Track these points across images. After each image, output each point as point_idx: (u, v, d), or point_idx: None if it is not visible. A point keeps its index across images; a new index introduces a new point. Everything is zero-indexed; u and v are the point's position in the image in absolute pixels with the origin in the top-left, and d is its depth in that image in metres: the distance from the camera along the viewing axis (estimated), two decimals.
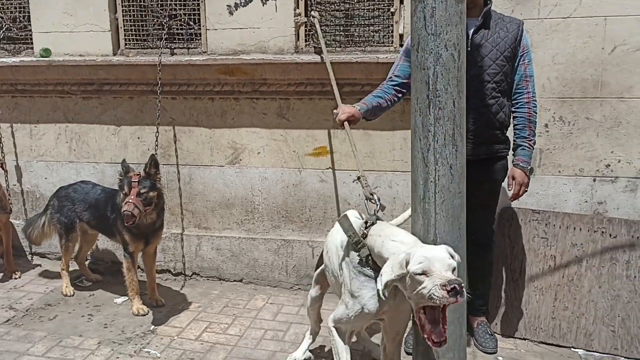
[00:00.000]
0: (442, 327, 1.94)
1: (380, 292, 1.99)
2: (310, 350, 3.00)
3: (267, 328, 3.38)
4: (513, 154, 2.97)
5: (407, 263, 1.93)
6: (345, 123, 2.79)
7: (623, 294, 3.11)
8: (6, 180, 4.23)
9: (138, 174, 3.31)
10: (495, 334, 3.21)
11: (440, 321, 1.94)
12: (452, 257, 1.95)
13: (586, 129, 3.32)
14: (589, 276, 3.19)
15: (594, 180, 3.36)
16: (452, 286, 1.83)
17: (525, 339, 3.23)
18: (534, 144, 2.96)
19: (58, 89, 4.10)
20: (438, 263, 1.91)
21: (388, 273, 1.97)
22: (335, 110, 2.88)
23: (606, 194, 3.35)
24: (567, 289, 3.21)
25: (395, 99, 2.99)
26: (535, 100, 2.94)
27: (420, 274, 1.90)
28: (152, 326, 3.38)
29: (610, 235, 3.20)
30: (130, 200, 3.21)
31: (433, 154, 2.07)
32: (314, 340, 3.02)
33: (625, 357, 3.03)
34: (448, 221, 2.10)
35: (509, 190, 2.98)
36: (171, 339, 3.25)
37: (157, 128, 3.80)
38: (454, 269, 1.92)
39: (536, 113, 2.95)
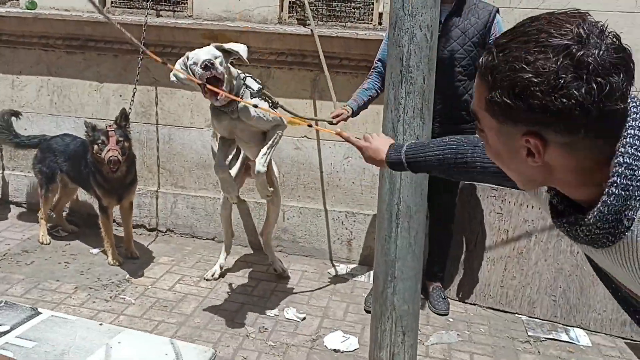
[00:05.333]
0: (216, 90, 2.70)
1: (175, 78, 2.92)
2: None
3: (237, 283, 3.58)
4: None
5: (187, 59, 2.77)
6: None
7: (566, 267, 3.40)
8: None
9: (111, 125, 3.45)
10: (448, 299, 3.48)
11: (214, 88, 2.69)
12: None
13: None
14: (536, 250, 3.47)
15: None
16: (204, 64, 2.66)
17: (475, 304, 3.51)
18: None
19: (42, 42, 4.15)
20: (204, 55, 2.71)
21: (177, 67, 2.81)
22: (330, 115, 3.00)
23: None
24: (516, 261, 3.49)
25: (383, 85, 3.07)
26: None
27: (193, 65, 2.72)
28: (127, 276, 3.55)
29: None
30: (113, 147, 3.36)
31: (402, 124, 2.27)
32: (228, 253, 3.68)
33: (563, 324, 3.33)
34: (412, 187, 2.32)
35: None
36: (145, 288, 3.43)
37: (135, 85, 3.87)
38: (217, 57, 2.73)
39: None
